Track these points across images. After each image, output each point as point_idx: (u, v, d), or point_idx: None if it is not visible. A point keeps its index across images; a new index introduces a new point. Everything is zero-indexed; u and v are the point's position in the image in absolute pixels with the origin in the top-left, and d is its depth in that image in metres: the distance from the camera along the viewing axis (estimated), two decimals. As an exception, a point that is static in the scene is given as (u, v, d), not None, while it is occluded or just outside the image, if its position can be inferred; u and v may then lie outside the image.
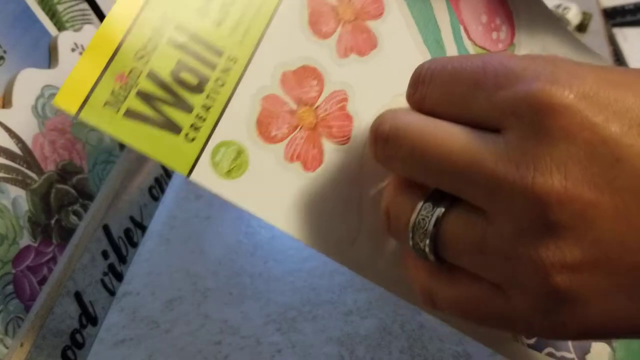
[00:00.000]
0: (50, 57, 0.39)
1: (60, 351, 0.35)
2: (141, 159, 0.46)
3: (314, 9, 0.27)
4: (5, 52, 0.35)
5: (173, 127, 0.24)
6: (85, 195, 0.40)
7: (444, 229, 0.19)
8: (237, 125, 0.25)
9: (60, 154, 0.38)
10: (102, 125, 0.23)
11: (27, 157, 0.35)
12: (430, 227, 0.19)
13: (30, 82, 0.36)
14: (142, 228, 0.45)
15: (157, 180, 0.48)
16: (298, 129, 0.26)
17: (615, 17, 0.60)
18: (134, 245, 0.44)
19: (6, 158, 0.33)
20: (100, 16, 0.45)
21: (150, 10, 0.24)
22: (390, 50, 0.28)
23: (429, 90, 0.21)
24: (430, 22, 0.30)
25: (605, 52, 0.56)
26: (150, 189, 0.47)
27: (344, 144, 0.27)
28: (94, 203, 0.40)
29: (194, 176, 0.24)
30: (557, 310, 0.18)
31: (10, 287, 0.32)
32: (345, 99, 0.27)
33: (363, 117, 0.27)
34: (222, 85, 0.25)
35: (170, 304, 0.39)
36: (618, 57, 0.57)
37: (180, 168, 0.24)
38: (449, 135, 0.19)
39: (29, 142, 0.35)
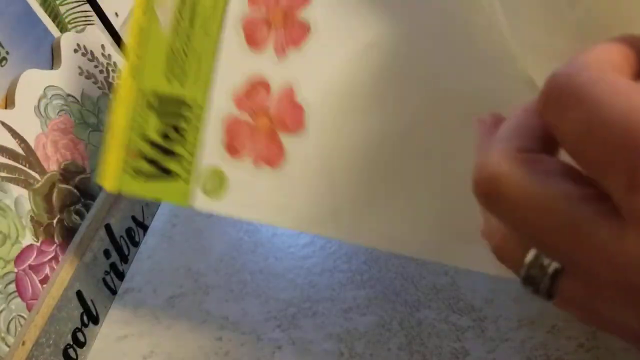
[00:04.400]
0: (52, 58, 0.39)
1: (62, 350, 0.36)
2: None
3: (247, 28, 0.32)
4: (8, 53, 0.35)
5: (170, 175, 0.32)
6: (87, 195, 0.40)
7: (560, 288, 0.18)
8: (212, 152, 0.32)
9: (62, 154, 0.38)
10: (131, 192, 0.33)
11: (29, 157, 0.35)
12: (546, 283, 0.18)
13: (33, 82, 0.37)
14: (144, 227, 0.45)
15: (159, 179, 0.48)
16: (257, 135, 0.31)
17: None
18: (136, 244, 0.44)
19: (9, 158, 0.34)
20: (102, 17, 0.45)
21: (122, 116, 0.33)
22: (325, 33, 0.31)
23: (563, 124, 0.17)
24: None
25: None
26: (152, 188, 0.47)
27: (299, 133, 0.31)
28: (96, 203, 0.41)
29: (197, 206, 0.32)
30: None
31: (12, 286, 0.33)
32: (292, 92, 0.31)
33: (312, 103, 0.31)
34: (196, 129, 0.32)
35: (171, 301, 0.40)
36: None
37: (183, 204, 0.32)
38: (556, 205, 0.17)
39: (31, 142, 0.35)
